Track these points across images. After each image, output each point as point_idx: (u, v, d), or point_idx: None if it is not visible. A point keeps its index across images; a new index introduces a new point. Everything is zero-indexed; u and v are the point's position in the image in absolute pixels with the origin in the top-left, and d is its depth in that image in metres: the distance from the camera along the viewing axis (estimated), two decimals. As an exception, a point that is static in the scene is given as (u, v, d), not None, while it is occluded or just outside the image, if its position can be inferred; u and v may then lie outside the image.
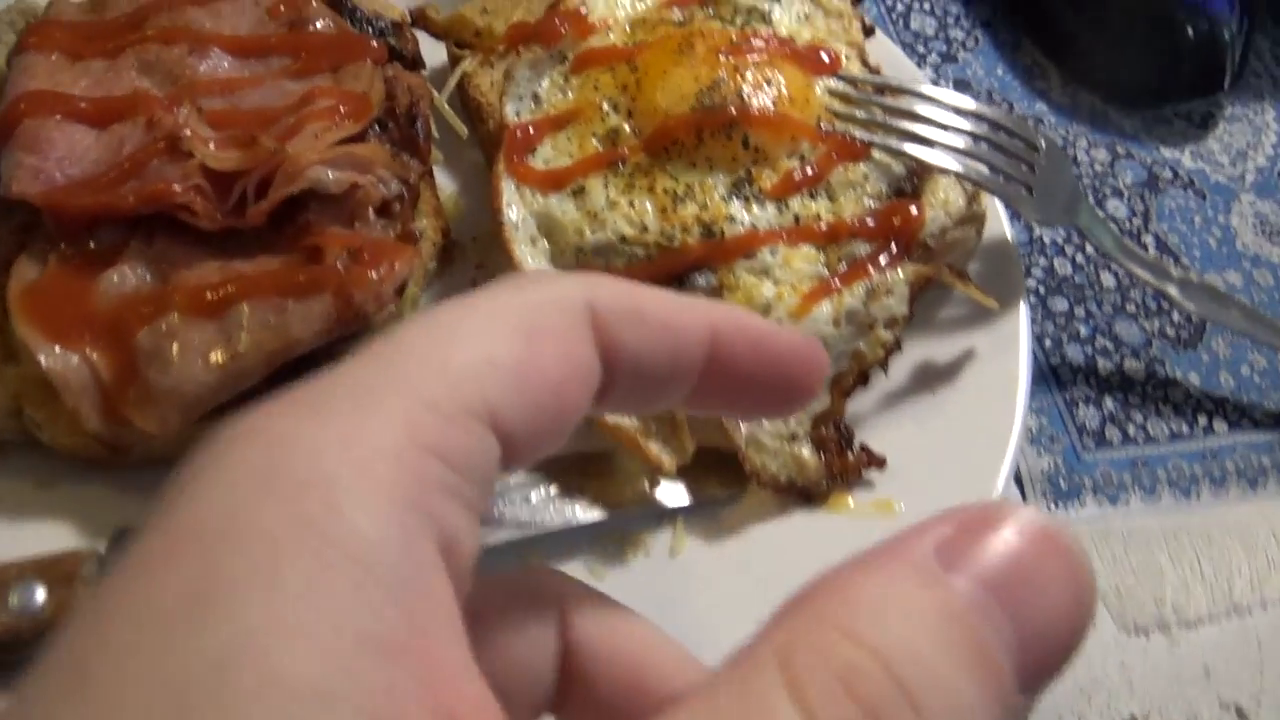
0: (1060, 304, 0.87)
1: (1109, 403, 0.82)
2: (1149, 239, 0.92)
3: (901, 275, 0.68)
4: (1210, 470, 0.80)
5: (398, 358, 0.28)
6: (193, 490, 0.25)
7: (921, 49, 1.04)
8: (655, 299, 0.32)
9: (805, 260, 0.68)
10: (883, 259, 0.68)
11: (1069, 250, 0.90)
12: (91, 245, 0.63)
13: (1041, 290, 0.87)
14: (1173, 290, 0.76)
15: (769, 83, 0.72)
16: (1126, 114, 1.01)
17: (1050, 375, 0.82)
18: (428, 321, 0.29)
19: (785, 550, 0.66)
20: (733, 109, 0.70)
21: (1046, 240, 0.90)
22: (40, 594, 0.54)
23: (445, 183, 0.82)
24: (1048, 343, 0.84)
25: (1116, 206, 0.93)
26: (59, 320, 0.60)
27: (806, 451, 0.66)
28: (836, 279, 0.67)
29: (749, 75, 0.72)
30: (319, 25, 0.76)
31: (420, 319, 0.30)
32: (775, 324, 0.35)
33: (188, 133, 0.64)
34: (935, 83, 1.00)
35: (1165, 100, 1.01)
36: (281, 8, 0.77)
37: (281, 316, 0.60)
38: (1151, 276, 0.76)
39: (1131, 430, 0.81)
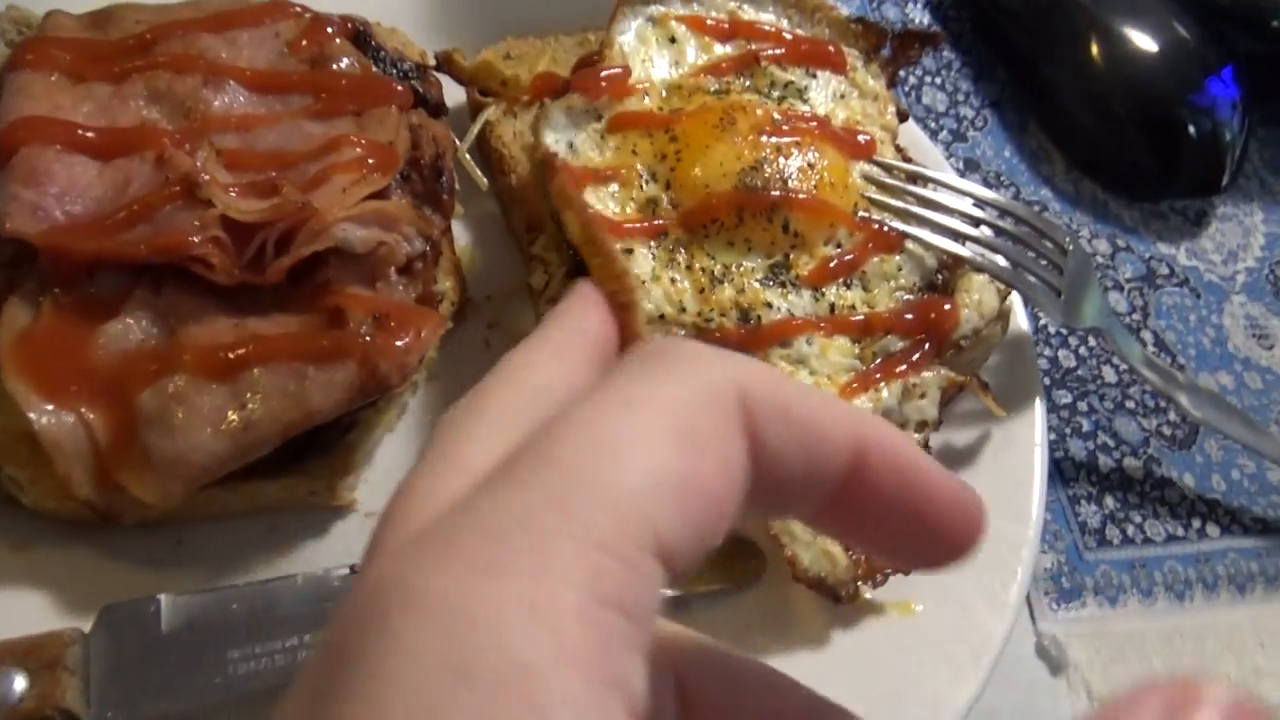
0: (1064, 397, 0.87)
1: (1110, 501, 0.82)
2: (1148, 335, 0.93)
3: (934, 377, 0.67)
4: (1203, 575, 0.81)
5: (561, 484, 0.26)
6: (376, 679, 0.23)
7: (933, 124, 1.04)
8: (804, 397, 0.30)
9: (840, 352, 0.67)
10: (917, 357, 0.67)
11: (1072, 342, 0.91)
12: (92, 291, 0.59)
13: (1046, 382, 0.87)
14: (1182, 398, 0.77)
15: (812, 166, 0.71)
16: (1125, 205, 1.02)
17: (1054, 470, 0.83)
18: (583, 430, 0.28)
19: (803, 645, 0.65)
20: (776, 192, 0.68)
21: (1051, 330, 0.91)
22: (20, 683, 0.49)
23: (458, 234, 0.79)
24: (1052, 435, 0.84)
25: (1118, 300, 0.95)
26: (54, 375, 0.55)
27: (836, 549, 0.65)
28: (877, 374, 0.65)
29: (793, 158, 0.70)
30: (343, 64, 0.73)
31: (573, 425, 0.28)
32: (932, 460, 0.33)
33: (205, 178, 0.60)
34: (946, 160, 1.00)
35: (1164, 195, 1.03)
36: (304, 42, 0.73)
37: (301, 384, 0.57)
38: (1163, 384, 0.77)
39: (1130, 530, 0.81)
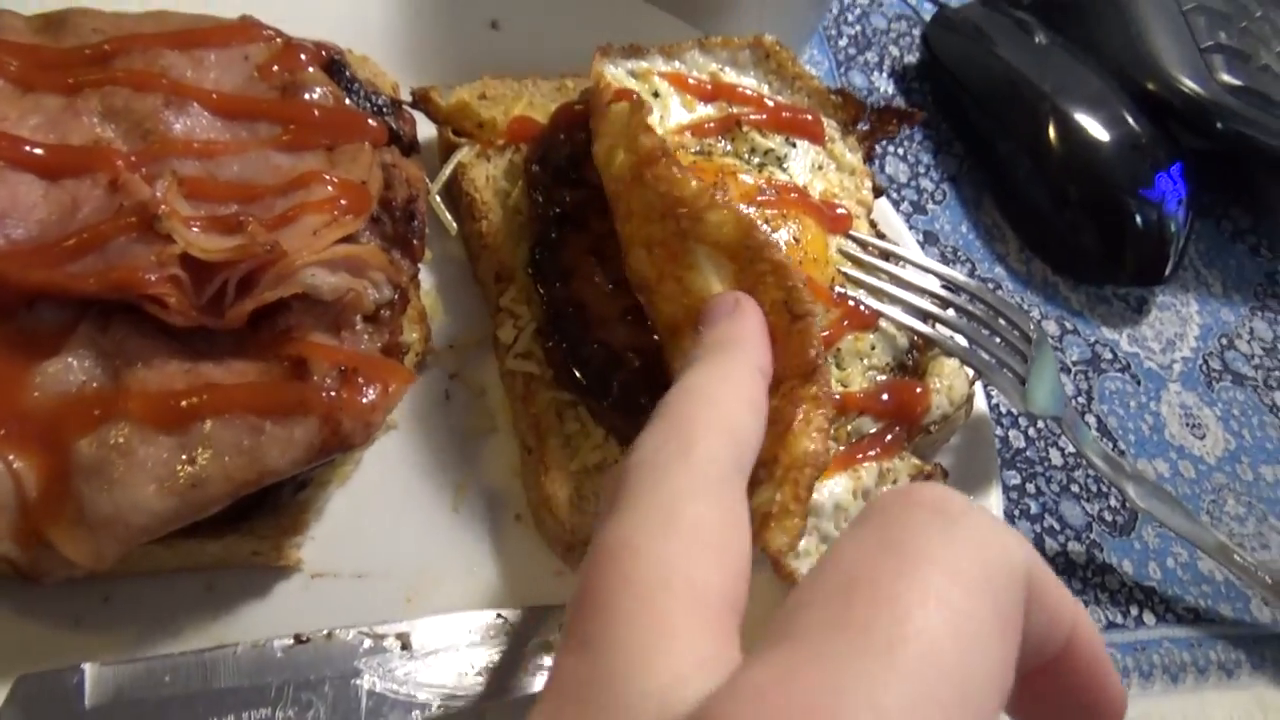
0: (1013, 478, 0.88)
1: (1055, 585, 0.83)
2: (1091, 419, 0.96)
3: (904, 465, 0.67)
4: (1140, 663, 0.82)
5: (931, 674, 0.27)
6: None
7: (895, 195, 1.06)
8: (1054, 581, 0.33)
9: (813, 430, 0.66)
10: (889, 439, 0.67)
11: (1022, 423, 0.92)
12: (30, 324, 0.54)
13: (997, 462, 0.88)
14: (1129, 489, 0.79)
15: (797, 240, 0.71)
16: (1073, 288, 1.05)
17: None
18: (936, 608, 0.28)
19: None
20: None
21: (1002, 410, 0.92)
22: (-78, 765, 0.44)
23: (422, 278, 0.75)
24: (1002, 518, 0.85)
25: (1065, 383, 0.97)
26: (-18, 415, 0.50)
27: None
28: (859, 454, 0.65)
29: (780, 231, 0.70)
30: (315, 94, 0.69)
31: (920, 592, 0.29)
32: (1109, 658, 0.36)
33: (165, 209, 0.56)
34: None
35: (1109, 281, 1.06)
36: (275, 68, 0.69)
37: (256, 440, 0.53)
38: (1112, 474, 0.78)
39: (1074, 616, 0.82)
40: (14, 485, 0.50)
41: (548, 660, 0.58)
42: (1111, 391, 0.98)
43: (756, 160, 0.77)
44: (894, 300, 0.72)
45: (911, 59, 1.20)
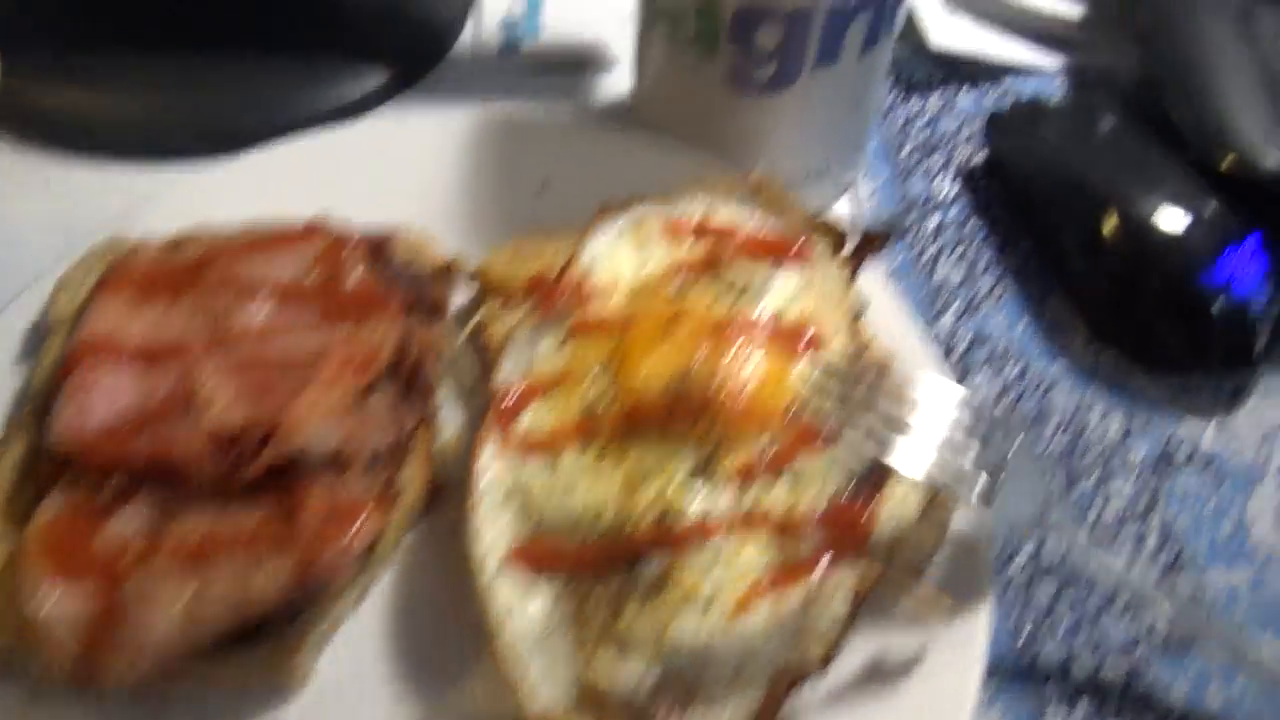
0: (1044, 594, 0.85)
1: (1082, 707, 0.79)
2: (1155, 521, 0.89)
3: (846, 578, 0.69)
4: (1194, 799, 0.75)
5: None
6: None
7: (945, 298, 1.06)
8: None
9: (756, 552, 0.70)
10: (826, 560, 0.69)
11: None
12: (109, 486, 0.71)
13: (1026, 577, 0.85)
14: (1163, 603, 0.74)
15: (746, 367, 0.76)
16: (1152, 379, 0.99)
17: (1025, 672, 0.80)
18: None
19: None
20: (706, 393, 0.74)
21: (1043, 517, 0.89)
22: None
23: (451, 419, 0.88)
24: (1024, 636, 0.82)
25: (1121, 486, 0.91)
26: (59, 560, 0.67)
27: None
28: (776, 582, 0.68)
29: (728, 359, 0.76)
30: (351, 279, 0.85)
31: None
32: None
33: (202, 391, 0.73)
34: (951, 336, 1.02)
35: (1196, 367, 0.99)
36: (323, 260, 0.86)
37: (249, 575, 0.66)
38: (1134, 583, 0.74)
39: (1108, 743, 0.77)
40: (78, 613, 0.66)
41: None
42: (1184, 492, 0.91)
43: (736, 290, 0.83)
44: (848, 421, 0.74)
45: (980, 157, 1.20)
